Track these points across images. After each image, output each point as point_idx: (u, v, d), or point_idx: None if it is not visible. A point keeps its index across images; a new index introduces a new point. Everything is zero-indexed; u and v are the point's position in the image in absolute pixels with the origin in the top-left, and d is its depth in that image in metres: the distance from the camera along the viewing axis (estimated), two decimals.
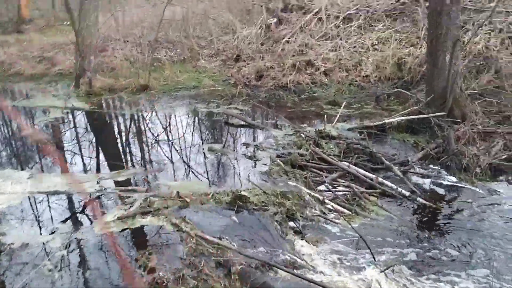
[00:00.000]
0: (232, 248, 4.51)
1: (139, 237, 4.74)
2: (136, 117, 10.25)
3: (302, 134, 7.65)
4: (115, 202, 5.58)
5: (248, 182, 5.96)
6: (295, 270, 4.43)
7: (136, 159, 7.58)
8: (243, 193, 5.43)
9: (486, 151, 7.05)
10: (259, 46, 13.34)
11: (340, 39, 12.60)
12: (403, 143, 7.63)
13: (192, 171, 6.73)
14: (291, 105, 10.49)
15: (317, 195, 5.89)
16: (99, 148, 8.27)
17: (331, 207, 5.74)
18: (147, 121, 9.99)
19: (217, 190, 5.73)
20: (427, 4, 9.93)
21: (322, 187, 6.25)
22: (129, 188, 5.92)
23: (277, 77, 11.74)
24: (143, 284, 3.95)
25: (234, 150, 7.53)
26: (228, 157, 7.17)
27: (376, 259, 4.73)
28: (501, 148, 7.12)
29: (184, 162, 7.15)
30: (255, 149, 7.31)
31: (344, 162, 6.77)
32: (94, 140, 8.80)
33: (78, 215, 5.41)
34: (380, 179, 6.39)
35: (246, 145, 7.60)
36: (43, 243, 4.68)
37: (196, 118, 9.96)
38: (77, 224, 5.13)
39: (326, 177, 6.42)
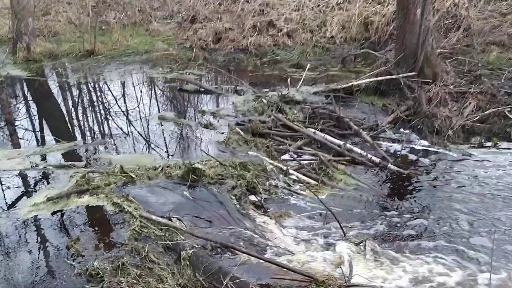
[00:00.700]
0: (183, 230, 3.89)
1: (73, 221, 4.02)
2: (80, 86, 9.29)
3: (264, 100, 7.05)
4: (47, 180, 4.78)
5: (203, 153, 5.29)
6: (256, 251, 3.88)
7: (77, 131, 6.72)
8: (197, 165, 4.78)
9: (459, 112, 6.68)
10: (216, 7, 12.54)
11: None
12: (372, 107, 7.23)
13: (140, 143, 5.99)
14: (252, 69, 9.96)
15: (280, 165, 5.34)
16: (36, 120, 7.32)
17: (295, 178, 5.18)
18: (92, 90, 9.07)
19: (167, 163, 5.05)
20: None
21: (286, 156, 5.75)
22: (65, 163, 5.13)
23: (237, 39, 11.10)
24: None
25: (188, 119, 6.82)
26: (181, 127, 6.48)
27: (346, 234, 4.23)
28: (473, 109, 6.80)
29: (131, 133, 6.38)
30: (212, 116, 6.63)
31: (309, 129, 6.25)
32: (30, 111, 7.81)
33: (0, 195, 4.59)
34: (348, 145, 5.92)
35: (202, 112, 6.93)
36: None
37: (147, 84, 9.18)
38: None
39: (290, 145, 5.89)
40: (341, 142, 5.99)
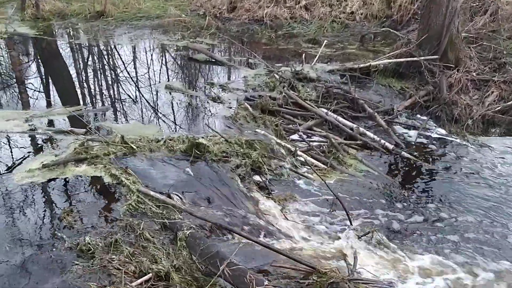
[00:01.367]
0: (182, 208, 3.70)
1: (67, 191, 3.84)
2: (88, 48, 9.01)
3: (276, 75, 6.74)
4: (44, 145, 4.59)
5: (208, 128, 5.04)
6: (256, 236, 3.70)
7: (81, 95, 6.48)
8: (201, 140, 4.55)
9: (480, 101, 6.34)
10: None
11: None
12: (389, 89, 6.91)
13: (144, 112, 5.75)
14: (266, 42, 9.58)
15: (288, 145, 5.08)
16: (40, 81, 7.10)
17: (303, 160, 4.94)
18: (100, 53, 8.79)
19: (171, 136, 4.82)
20: None
21: (295, 136, 5.51)
22: (64, 129, 4.92)
23: (252, 9, 10.69)
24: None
25: (196, 90, 6.54)
26: (188, 98, 6.22)
27: (353, 223, 4.05)
28: (495, 99, 6.47)
29: (135, 101, 6.14)
30: (221, 89, 6.35)
31: (321, 109, 5.98)
32: (35, 71, 7.59)
33: None
34: (361, 129, 5.67)
35: (211, 84, 6.63)
36: None
37: (156, 51, 8.88)
38: None
39: (300, 125, 5.61)
40: (354, 125, 5.75)
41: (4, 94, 6.37)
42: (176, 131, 5.20)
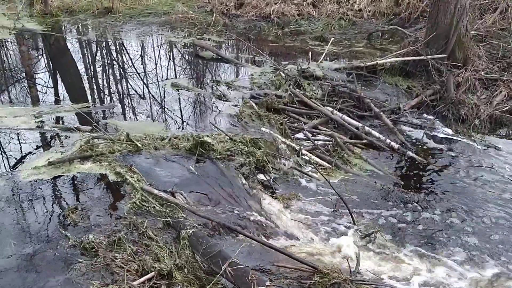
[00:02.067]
0: (185, 207, 3.71)
1: (72, 188, 3.86)
2: (95, 44, 9.04)
3: (282, 73, 6.72)
4: (51, 142, 4.62)
5: (213, 126, 5.05)
6: (259, 235, 3.71)
7: (88, 91, 6.50)
8: (206, 139, 4.55)
9: (488, 101, 6.27)
10: None
11: None
12: (396, 88, 6.85)
13: (149, 110, 5.77)
14: (273, 39, 9.53)
15: (293, 144, 5.08)
16: (47, 78, 7.14)
17: (308, 159, 4.93)
18: (107, 49, 8.82)
19: (175, 133, 4.83)
20: None
21: (300, 135, 5.49)
22: (70, 126, 4.95)
23: (260, 5, 10.65)
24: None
25: (201, 88, 6.54)
26: (193, 95, 6.21)
27: (356, 224, 4.04)
28: (503, 98, 6.38)
29: (141, 98, 6.16)
30: (226, 87, 6.35)
31: (327, 107, 5.95)
32: (43, 68, 7.64)
33: (2, 155, 4.46)
34: (367, 128, 5.63)
35: (217, 82, 6.63)
36: None
37: (163, 48, 8.88)
38: None
39: (305, 123, 5.58)
40: (360, 124, 5.72)
41: (12, 90, 6.43)
42: (181, 129, 5.21)
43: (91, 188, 3.84)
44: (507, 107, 6.22)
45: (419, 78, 6.96)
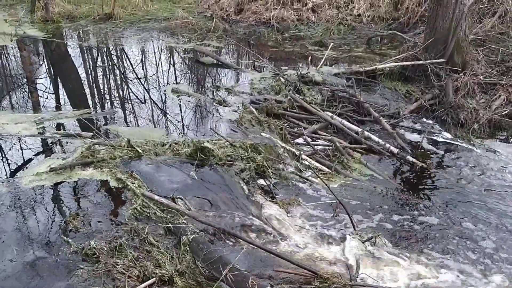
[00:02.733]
0: (186, 212, 3.73)
1: (74, 195, 3.89)
2: (96, 50, 9.08)
3: (281, 78, 6.75)
4: (52, 149, 4.65)
5: (213, 132, 5.07)
6: (259, 241, 3.73)
7: (89, 98, 6.54)
8: (206, 144, 4.58)
9: (487, 105, 6.29)
10: None
11: None
12: (395, 93, 6.86)
13: (150, 116, 5.80)
14: (272, 44, 9.58)
15: (293, 149, 5.11)
16: (48, 84, 7.17)
17: (308, 164, 4.95)
18: (108, 56, 8.86)
19: (176, 139, 4.86)
20: None
21: (299, 140, 5.52)
22: (72, 133, 4.98)
23: (259, 11, 10.69)
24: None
25: (202, 93, 6.57)
26: (194, 101, 6.24)
27: (356, 228, 4.04)
28: (502, 103, 6.40)
29: (142, 104, 6.19)
30: (226, 93, 6.39)
31: (327, 112, 5.97)
32: (44, 74, 7.68)
33: (4, 161, 4.49)
34: (366, 133, 5.65)
35: (217, 88, 6.66)
36: None
37: (163, 54, 8.93)
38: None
39: (305, 128, 5.62)
40: (359, 129, 5.73)
41: (14, 96, 6.46)
42: (181, 134, 5.23)
43: (92, 194, 3.87)
44: (506, 111, 6.22)
45: (418, 83, 6.96)
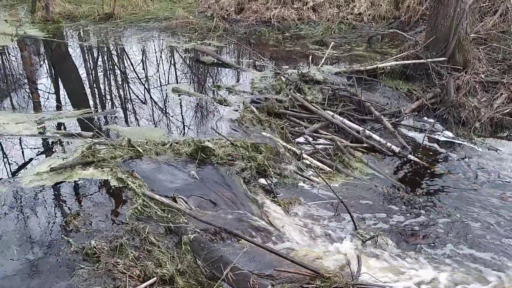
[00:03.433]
0: (186, 212, 3.72)
1: (74, 194, 3.88)
2: (97, 50, 9.08)
3: (282, 77, 6.73)
4: (53, 148, 4.65)
5: (214, 131, 5.06)
6: (261, 240, 3.71)
7: (89, 97, 6.53)
8: (207, 144, 4.56)
9: (488, 104, 6.28)
10: None
11: None
12: (396, 92, 6.85)
13: (151, 115, 5.79)
14: (273, 44, 9.55)
15: (294, 148, 5.09)
16: (49, 84, 7.17)
17: (309, 163, 4.94)
18: (108, 55, 8.86)
19: (177, 139, 4.85)
20: None
21: (300, 139, 5.50)
22: (72, 132, 4.97)
23: (260, 10, 10.68)
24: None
25: (202, 93, 6.56)
26: (194, 100, 6.24)
27: (358, 228, 4.02)
28: (504, 101, 6.38)
29: (143, 104, 6.18)
30: (227, 92, 6.37)
31: (327, 111, 5.96)
32: (44, 74, 7.68)
33: (4, 161, 4.48)
34: (367, 132, 5.64)
35: (217, 87, 6.65)
36: None
37: (164, 53, 8.92)
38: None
39: (306, 127, 5.60)
40: (360, 128, 5.72)
41: (14, 96, 6.46)
42: (182, 134, 5.22)
43: (92, 194, 3.86)
44: (507, 110, 6.21)
45: (419, 82, 6.95)
